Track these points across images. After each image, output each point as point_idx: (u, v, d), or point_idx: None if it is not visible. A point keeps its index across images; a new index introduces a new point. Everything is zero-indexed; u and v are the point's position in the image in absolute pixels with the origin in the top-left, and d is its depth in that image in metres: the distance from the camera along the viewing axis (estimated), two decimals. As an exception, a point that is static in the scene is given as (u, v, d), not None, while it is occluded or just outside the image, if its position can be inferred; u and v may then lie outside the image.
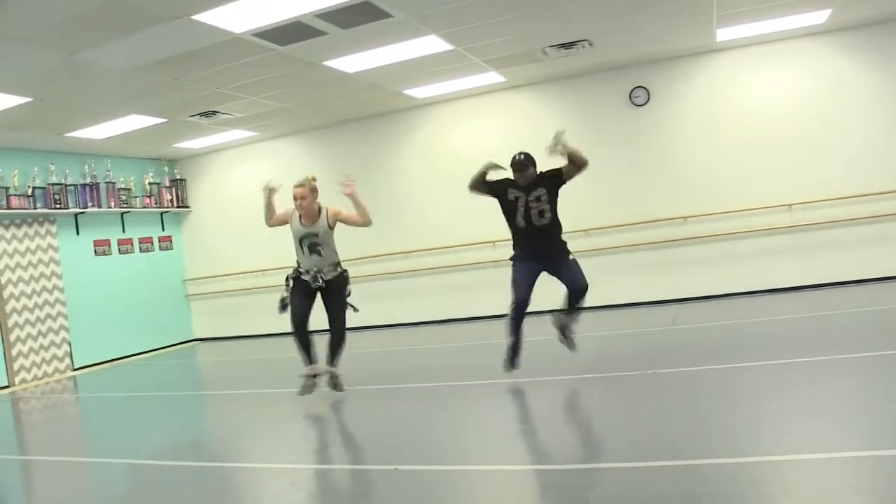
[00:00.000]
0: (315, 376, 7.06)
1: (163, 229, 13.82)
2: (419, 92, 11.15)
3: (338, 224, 7.11)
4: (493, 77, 10.76)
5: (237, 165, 13.66)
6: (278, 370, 9.87)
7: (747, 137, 10.66)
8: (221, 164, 13.79)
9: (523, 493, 4.29)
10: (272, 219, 7.33)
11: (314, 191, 7.17)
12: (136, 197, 13.03)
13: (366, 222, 7.09)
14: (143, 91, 8.96)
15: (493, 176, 6.92)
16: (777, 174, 10.52)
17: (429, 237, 12.13)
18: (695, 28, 9.52)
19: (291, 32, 7.54)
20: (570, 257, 6.84)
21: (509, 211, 6.83)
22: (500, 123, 11.88)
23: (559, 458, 4.80)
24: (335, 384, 7.11)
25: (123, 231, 12.95)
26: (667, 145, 10.99)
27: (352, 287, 7.26)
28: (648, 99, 11.12)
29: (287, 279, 7.21)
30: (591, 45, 9.58)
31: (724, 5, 8.59)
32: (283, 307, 7.17)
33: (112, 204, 12.49)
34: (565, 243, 6.90)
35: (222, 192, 13.84)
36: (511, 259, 6.95)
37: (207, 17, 6.69)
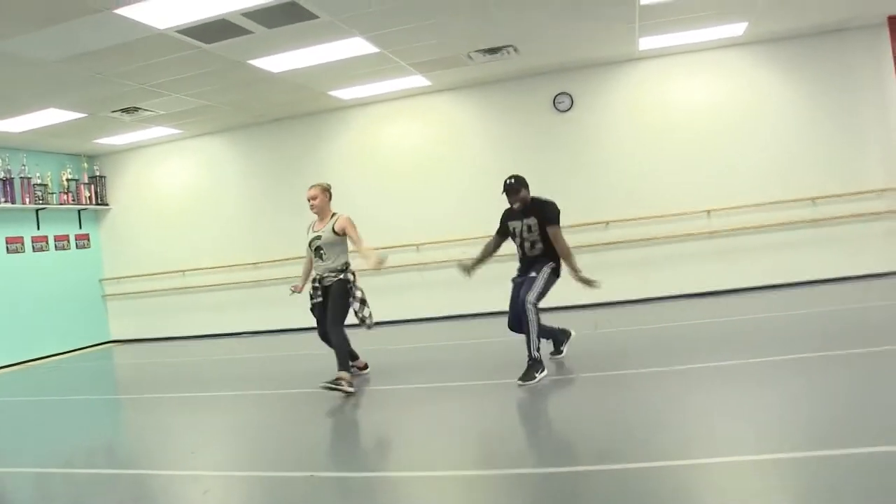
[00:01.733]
0: (363, 368, 7.60)
1: (80, 227, 13.48)
2: (345, 93, 11.15)
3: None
4: (418, 80, 10.83)
5: (160, 163, 13.45)
6: (197, 373, 9.78)
7: (668, 145, 10.96)
8: (144, 161, 13.54)
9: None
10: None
11: (325, 191, 7.37)
12: (52, 193, 12.65)
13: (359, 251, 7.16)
14: (64, 84, 8.78)
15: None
16: (696, 181, 10.83)
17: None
18: (618, 36, 9.75)
19: (216, 30, 7.49)
20: (541, 270, 6.85)
21: (513, 238, 7.13)
22: (427, 127, 11.97)
23: (472, 465, 4.86)
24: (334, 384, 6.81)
25: (38, 228, 12.55)
26: (589, 151, 11.20)
27: (363, 297, 7.21)
28: (572, 105, 11.32)
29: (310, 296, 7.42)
30: (516, 50, 9.71)
31: (646, 15, 8.81)
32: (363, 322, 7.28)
33: (27, 200, 12.12)
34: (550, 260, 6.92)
35: (144, 191, 13.59)
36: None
37: (131, 11, 6.61)
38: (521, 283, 6.90)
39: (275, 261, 12.43)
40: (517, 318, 6.82)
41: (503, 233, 7.19)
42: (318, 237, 7.17)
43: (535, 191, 11.03)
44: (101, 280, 13.85)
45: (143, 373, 10.61)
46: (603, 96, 11.25)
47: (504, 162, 11.42)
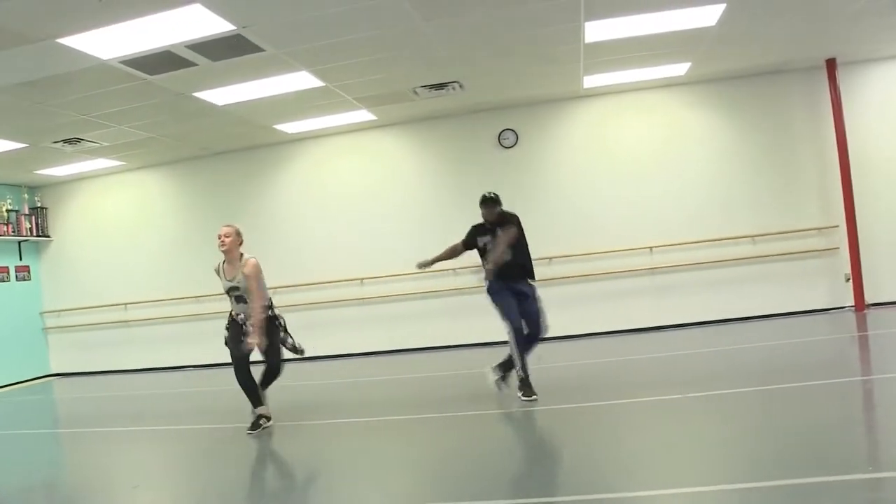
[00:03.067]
0: (264, 418, 6.96)
1: (20, 259, 13.25)
2: (290, 127, 11.16)
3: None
4: (364, 115, 10.89)
5: (103, 195, 13.29)
6: (139, 407, 9.62)
7: (612, 181, 11.16)
8: (86, 193, 13.37)
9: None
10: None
11: (239, 234, 7.18)
12: (-8, 224, 12.46)
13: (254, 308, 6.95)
14: (3, 114, 8.67)
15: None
16: (639, 217, 11.01)
17: (300, 272, 11.98)
18: (563, 75, 9.92)
19: (160, 62, 7.47)
20: (536, 293, 7.23)
21: (482, 254, 7.26)
22: (372, 161, 12.01)
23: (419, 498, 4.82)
24: (257, 424, 6.88)
25: (-23, 260, 12.35)
26: (534, 187, 11.30)
27: (285, 328, 7.21)
28: (517, 141, 11.46)
29: (226, 327, 7.22)
30: (461, 86, 9.82)
31: (590, 54, 8.99)
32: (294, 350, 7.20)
33: (-35, 231, 11.92)
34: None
35: (86, 223, 13.41)
36: (488, 290, 7.25)
37: (74, 41, 6.58)
38: (520, 295, 7.11)
39: (216, 294, 12.19)
40: (537, 327, 7.10)
41: (468, 245, 7.40)
42: (236, 287, 6.97)
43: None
44: (41, 313, 13.59)
45: (83, 407, 10.37)
46: (548, 133, 11.40)
47: (449, 196, 11.56)
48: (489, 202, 7.14)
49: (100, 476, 6.16)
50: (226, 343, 7.13)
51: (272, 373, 7.06)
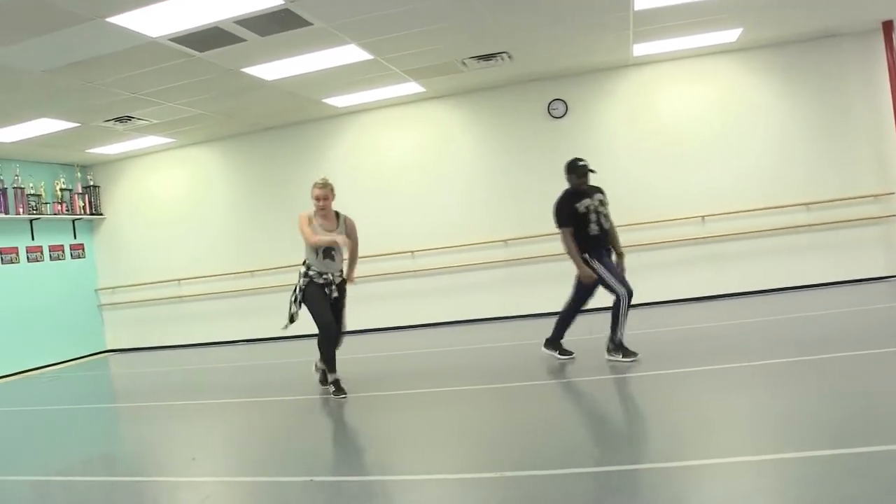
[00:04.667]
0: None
1: (75, 237, 13.46)
2: (339, 101, 11.14)
3: None
4: (413, 87, 10.82)
5: (154, 172, 13.42)
6: (194, 381, 9.74)
7: (662, 150, 10.98)
8: (137, 170, 13.52)
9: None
10: (307, 232, 7.01)
11: (334, 191, 7.15)
12: (46, 203, 12.61)
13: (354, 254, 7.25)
14: (56, 94, 8.74)
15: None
16: (690, 186, 10.84)
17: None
18: (612, 43, 9.75)
19: (209, 38, 7.47)
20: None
21: (580, 223, 7.13)
22: (421, 133, 11.96)
23: (470, 468, 4.82)
24: (340, 388, 7.06)
25: (32, 238, 12.52)
26: (584, 157, 11.13)
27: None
28: (566, 111, 11.32)
29: (296, 290, 7.11)
30: (510, 57, 9.71)
31: (640, 22, 8.82)
32: (291, 320, 7.16)
33: (20, 210, 12.07)
34: None
35: (138, 200, 13.57)
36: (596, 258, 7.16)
37: (123, 19, 6.59)
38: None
39: (270, 269, 12.41)
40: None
41: (575, 217, 7.17)
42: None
43: (532, 196, 11.15)
44: (96, 290, 13.81)
45: (140, 382, 10.53)
46: (597, 103, 11.25)
47: (498, 168, 11.52)
48: (587, 170, 7.21)
49: (160, 448, 6.26)
50: (291, 318, 7.14)
51: (342, 335, 7.24)
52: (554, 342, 7.62)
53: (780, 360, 6.40)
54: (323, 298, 6.99)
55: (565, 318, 7.56)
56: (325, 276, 7.01)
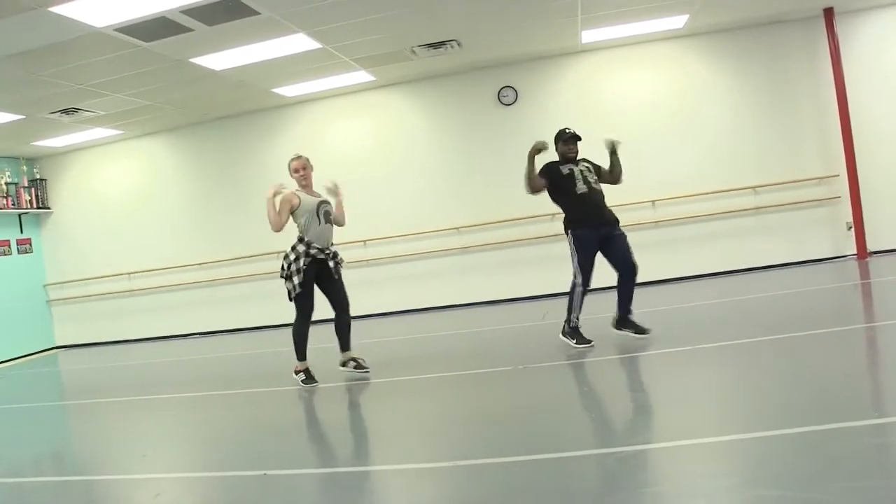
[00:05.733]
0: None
1: (21, 231, 13.23)
2: (289, 90, 11.11)
3: None
4: (363, 76, 10.82)
5: (102, 165, 13.25)
6: (145, 376, 9.65)
7: (611, 135, 11.03)
8: (85, 163, 13.33)
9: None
10: (281, 218, 6.78)
11: (310, 163, 7.10)
12: (-9, 198, 12.44)
13: (340, 222, 7.22)
14: (-1, 86, 8.63)
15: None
16: (640, 171, 10.86)
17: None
18: (561, 30, 9.84)
19: (156, 28, 7.41)
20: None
21: (565, 185, 6.99)
22: (371, 122, 11.97)
23: (442, 456, 4.85)
24: (360, 365, 7.09)
25: (-23, 234, 12.34)
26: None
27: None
28: (517, 98, 11.41)
29: (297, 259, 6.73)
30: (459, 45, 9.75)
31: (588, 8, 8.93)
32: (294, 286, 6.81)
33: (-35, 205, 11.88)
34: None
35: (86, 193, 13.37)
36: (573, 233, 7.04)
37: (67, 9, 6.51)
38: (619, 237, 7.12)
39: (222, 260, 12.35)
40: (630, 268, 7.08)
41: (556, 174, 7.05)
42: (327, 202, 7.00)
43: (483, 183, 11.21)
44: (44, 285, 13.61)
45: (90, 378, 10.42)
46: (547, 89, 11.35)
47: (449, 156, 11.59)
48: (574, 137, 7.14)
49: (110, 445, 6.20)
50: (292, 288, 6.74)
51: (349, 313, 7.15)
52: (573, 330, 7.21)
53: (730, 342, 6.50)
54: (311, 283, 6.79)
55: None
56: (326, 252, 6.83)
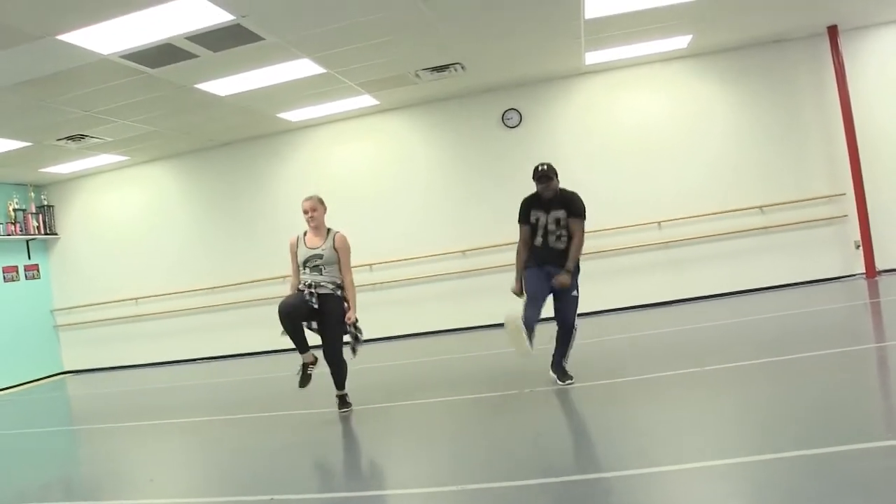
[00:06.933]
0: (311, 363, 6.73)
1: (29, 258, 13.27)
2: (294, 115, 11.14)
3: None
4: (367, 100, 10.85)
5: (108, 191, 13.30)
6: (152, 401, 9.64)
7: (617, 157, 11.12)
8: (92, 189, 13.38)
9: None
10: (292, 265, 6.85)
11: (322, 203, 6.89)
12: (-1, 224, 12.48)
13: (347, 282, 6.81)
14: (7, 113, 8.67)
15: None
16: (646, 192, 10.98)
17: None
18: (564, 52, 9.87)
19: (161, 55, 7.46)
20: (576, 283, 6.71)
21: (532, 230, 6.73)
22: (376, 146, 12.00)
23: (448, 480, 4.82)
24: (343, 403, 6.88)
25: (-14, 260, 12.37)
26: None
27: (360, 325, 6.82)
28: (521, 121, 11.42)
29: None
30: (463, 68, 9.78)
31: (591, 30, 8.94)
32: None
33: (-27, 232, 11.92)
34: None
35: (93, 219, 13.42)
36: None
37: (73, 37, 6.57)
38: (545, 278, 6.59)
39: (227, 285, 12.36)
40: (537, 314, 6.46)
41: (527, 221, 6.76)
42: (319, 255, 6.64)
43: (488, 206, 11.22)
44: (52, 310, 13.63)
45: (97, 403, 10.41)
46: (551, 111, 11.36)
47: (454, 179, 11.60)
48: (542, 176, 6.64)
49: (118, 469, 6.17)
50: (284, 312, 6.45)
51: (334, 365, 6.74)
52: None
53: (740, 364, 6.49)
54: (296, 298, 6.54)
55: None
56: (305, 284, 6.61)
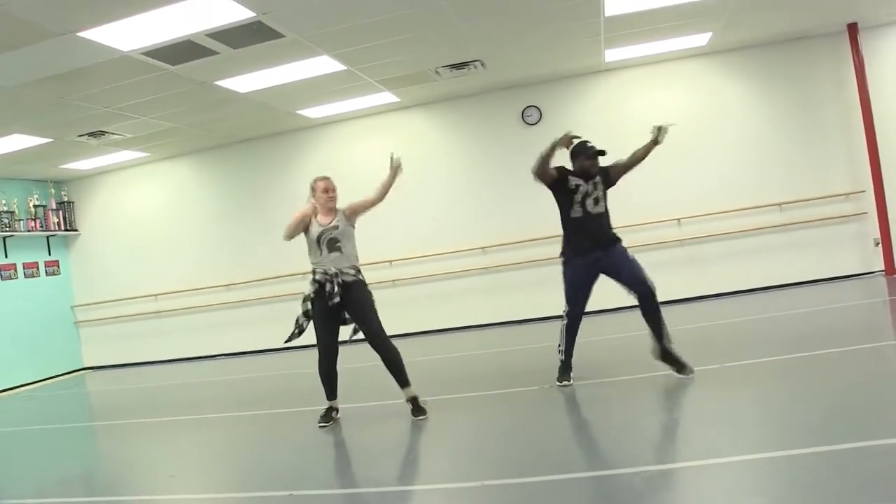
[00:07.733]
0: (335, 410, 6.50)
1: (49, 254, 13.36)
2: (313, 112, 11.15)
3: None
4: (387, 97, 10.85)
5: (128, 187, 13.37)
6: (173, 397, 9.68)
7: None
8: (112, 185, 13.46)
9: None
10: (296, 230, 6.32)
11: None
12: (19, 220, 12.52)
13: (379, 197, 6.70)
14: (28, 109, 8.71)
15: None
16: (665, 189, 10.91)
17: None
18: (584, 49, 9.84)
19: (182, 52, 7.47)
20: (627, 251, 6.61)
21: (565, 202, 6.58)
22: (395, 143, 11.86)
23: (468, 476, 4.81)
24: (417, 409, 6.24)
25: (6, 256, 12.43)
26: (559, 163, 11.19)
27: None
28: (540, 118, 11.39)
29: (305, 300, 6.32)
30: (483, 65, 9.76)
31: (611, 27, 8.91)
32: (298, 332, 6.32)
33: (-6, 228, 12.01)
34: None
35: (113, 215, 13.50)
36: (563, 262, 6.70)
37: (94, 34, 6.59)
38: (620, 255, 6.60)
39: (247, 282, 12.40)
40: (584, 304, 6.70)
41: (563, 176, 6.57)
42: (335, 227, 6.28)
43: (507, 203, 11.20)
44: (72, 307, 13.71)
45: (118, 399, 10.46)
46: (571, 108, 11.32)
47: (473, 176, 11.58)
48: (596, 153, 6.70)
49: (138, 465, 6.20)
50: (301, 323, 6.31)
51: (388, 351, 6.30)
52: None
53: (759, 360, 6.47)
54: (326, 315, 6.23)
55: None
56: (328, 274, 6.17)
